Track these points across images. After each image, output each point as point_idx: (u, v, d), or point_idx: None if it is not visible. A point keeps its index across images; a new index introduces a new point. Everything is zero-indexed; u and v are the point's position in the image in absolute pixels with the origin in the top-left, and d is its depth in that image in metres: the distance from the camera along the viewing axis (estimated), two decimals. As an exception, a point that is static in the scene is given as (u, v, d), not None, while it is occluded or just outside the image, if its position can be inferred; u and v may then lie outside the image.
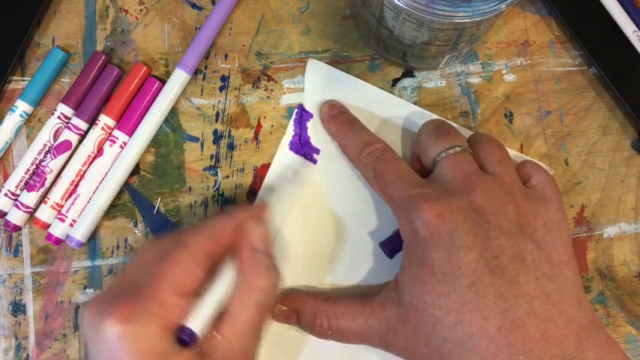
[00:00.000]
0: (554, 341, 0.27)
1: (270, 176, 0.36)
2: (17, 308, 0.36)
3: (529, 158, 0.36)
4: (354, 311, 0.32)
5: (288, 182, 0.34)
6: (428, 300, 0.29)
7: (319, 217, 0.36)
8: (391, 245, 0.34)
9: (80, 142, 0.36)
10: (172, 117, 0.37)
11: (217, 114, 0.37)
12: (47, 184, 0.36)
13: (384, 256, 0.35)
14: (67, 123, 0.36)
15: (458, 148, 0.32)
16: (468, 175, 0.31)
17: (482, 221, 0.29)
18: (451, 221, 0.29)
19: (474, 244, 0.28)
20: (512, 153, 0.36)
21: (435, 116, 0.36)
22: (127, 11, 0.38)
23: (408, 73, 0.38)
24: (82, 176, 0.36)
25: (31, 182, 0.36)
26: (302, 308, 0.33)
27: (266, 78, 0.37)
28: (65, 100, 0.36)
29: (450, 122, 0.34)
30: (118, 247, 0.36)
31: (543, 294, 0.28)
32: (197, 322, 0.28)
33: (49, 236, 0.35)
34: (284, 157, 0.36)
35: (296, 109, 0.37)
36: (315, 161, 0.36)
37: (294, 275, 0.35)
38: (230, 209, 0.32)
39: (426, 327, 0.29)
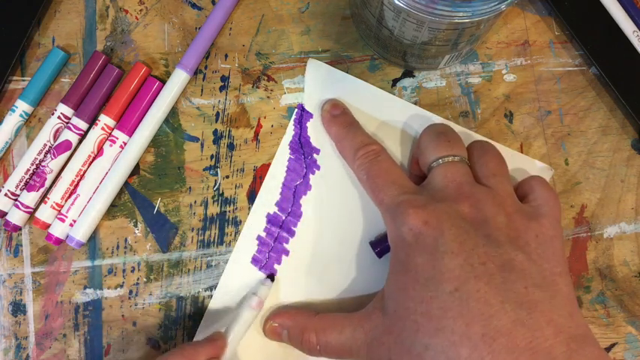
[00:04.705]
0: (541, 351, 0.26)
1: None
2: (17, 308, 0.36)
3: (529, 158, 0.36)
4: (341, 324, 0.31)
5: (249, 308, 0.33)
6: (410, 306, 0.28)
7: (317, 218, 0.36)
8: (381, 245, 0.34)
9: (80, 142, 0.36)
10: (172, 117, 0.37)
11: (217, 114, 0.37)
12: (47, 184, 0.36)
13: (377, 259, 0.35)
14: (67, 123, 0.36)
15: (456, 158, 0.31)
16: (460, 185, 0.30)
17: (470, 229, 0.29)
18: (437, 227, 0.28)
19: (459, 250, 0.28)
20: (512, 153, 0.36)
21: (436, 117, 0.36)
22: (127, 11, 0.38)
23: (408, 73, 0.38)
24: (82, 176, 0.36)
25: (31, 182, 0.36)
26: (291, 324, 0.33)
27: (266, 78, 0.37)
28: (65, 100, 0.36)
29: (453, 129, 0.34)
30: (118, 247, 0.36)
31: (532, 302, 0.27)
32: None
33: (49, 236, 0.35)
34: (283, 159, 0.36)
35: (296, 109, 0.37)
36: (314, 161, 0.36)
37: (293, 275, 0.35)
38: (186, 346, 0.31)
39: (408, 334, 0.28)
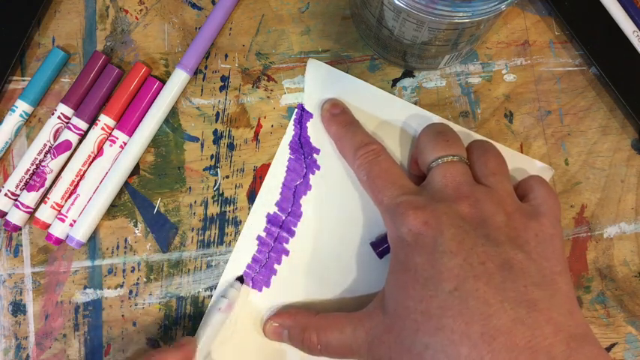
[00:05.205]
0: (541, 350, 0.26)
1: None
2: (17, 308, 0.36)
3: (529, 158, 0.36)
4: (342, 323, 0.31)
5: (218, 311, 0.34)
6: (410, 305, 0.28)
7: (317, 218, 0.36)
8: (381, 246, 0.34)
9: (80, 142, 0.36)
10: (172, 117, 0.37)
11: (217, 114, 0.37)
12: (47, 184, 0.36)
13: (377, 259, 0.35)
14: (67, 123, 0.36)
15: (455, 158, 0.31)
16: (459, 185, 0.30)
17: (469, 229, 0.29)
18: (436, 228, 0.28)
19: (458, 249, 0.28)
20: (512, 153, 0.36)
21: (436, 117, 0.36)
22: (127, 11, 0.38)
23: (408, 73, 0.38)
24: (82, 176, 0.36)
25: (31, 182, 0.36)
26: (292, 324, 0.33)
27: (266, 78, 0.37)
28: (65, 100, 0.36)
29: (452, 128, 0.34)
30: (118, 247, 0.36)
31: (531, 301, 0.27)
32: None
33: (49, 236, 0.35)
34: (283, 159, 0.36)
35: (296, 109, 0.37)
36: (314, 161, 0.36)
37: (293, 275, 0.35)
38: (154, 353, 0.31)
39: (407, 333, 0.28)
